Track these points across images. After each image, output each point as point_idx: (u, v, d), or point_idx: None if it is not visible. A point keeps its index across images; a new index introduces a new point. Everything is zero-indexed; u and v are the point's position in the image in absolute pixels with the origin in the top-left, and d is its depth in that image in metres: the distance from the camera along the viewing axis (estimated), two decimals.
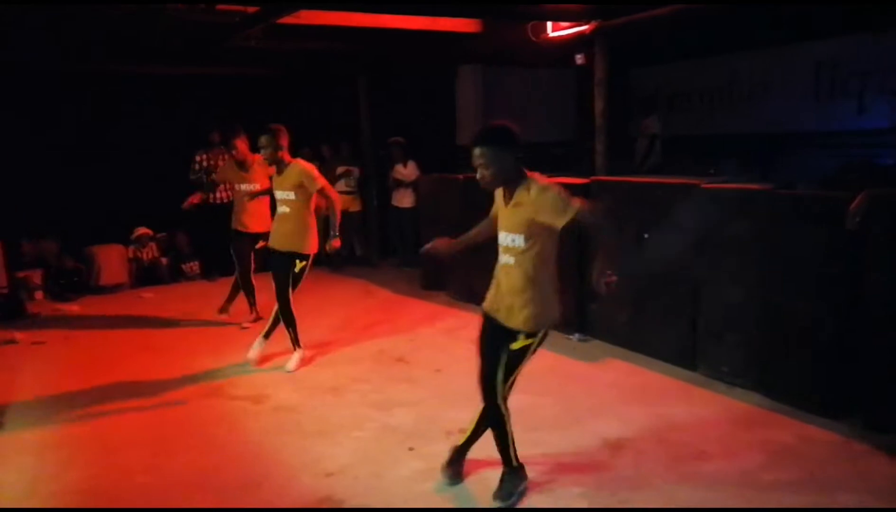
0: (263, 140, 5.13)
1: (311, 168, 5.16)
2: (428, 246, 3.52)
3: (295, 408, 4.50)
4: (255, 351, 5.37)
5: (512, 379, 3.16)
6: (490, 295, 3.22)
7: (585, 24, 6.59)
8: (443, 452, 3.68)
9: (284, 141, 5.15)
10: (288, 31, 6.54)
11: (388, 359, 5.41)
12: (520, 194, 3.00)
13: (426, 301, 7.23)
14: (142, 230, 8.55)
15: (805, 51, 7.89)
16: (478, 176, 3.06)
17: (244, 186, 6.31)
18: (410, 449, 3.83)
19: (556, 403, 4.42)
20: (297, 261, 5.12)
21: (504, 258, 3.14)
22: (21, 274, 7.69)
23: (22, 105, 7.85)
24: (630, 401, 4.43)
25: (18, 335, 6.28)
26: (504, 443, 3.26)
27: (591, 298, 5.53)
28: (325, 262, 9.20)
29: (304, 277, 5.20)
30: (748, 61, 8.56)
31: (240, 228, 6.37)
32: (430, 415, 4.28)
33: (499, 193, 3.21)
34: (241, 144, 6.26)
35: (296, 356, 5.27)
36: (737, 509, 3.17)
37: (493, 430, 3.27)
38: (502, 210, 3.15)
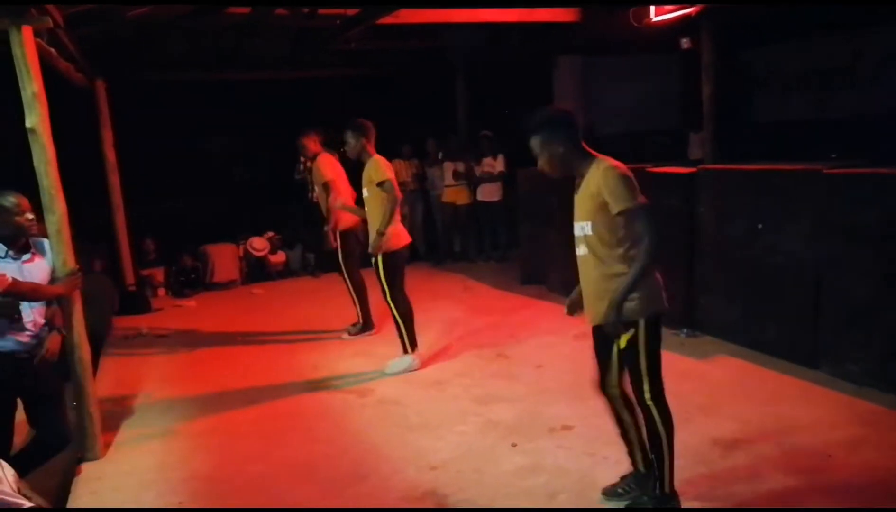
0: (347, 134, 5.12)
1: (377, 162, 5.01)
2: (568, 312, 3.30)
3: (398, 401, 4.57)
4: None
5: (644, 372, 2.95)
6: (584, 300, 3.06)
7: (691, 5, 6.31)
8: (545, 448, 3.64)
9: (369, 134, 5.06)
10: (386, 31, 6.65)
11: (489, 354, 5.40)
12: (588, 175, 2.85)
13: (524, 295, 7.17)
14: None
15: None
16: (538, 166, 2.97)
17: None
18: (513, 445, 3.80)
19: None
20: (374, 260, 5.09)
21: (579, 250, 3.00)
22: (146, 272, 8.27)
23: (139, 114, 8.39)
24: (744, 400, 4.20)
25: (144, 328, 6.75)
26: (657, 454, 2.92)
27: (702, 292, 5.30)
28: (427, 258, 9.33)
29: (393, 273, 5.02)
30: (873, 38, 7.88)
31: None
32: (532, 411, 4.23)
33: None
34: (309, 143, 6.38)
35: (403, 361, 5.09)
36: (862, 510, 2.94)
37: (648, 437, 2.98)
38: (576, 202, 2.99)
